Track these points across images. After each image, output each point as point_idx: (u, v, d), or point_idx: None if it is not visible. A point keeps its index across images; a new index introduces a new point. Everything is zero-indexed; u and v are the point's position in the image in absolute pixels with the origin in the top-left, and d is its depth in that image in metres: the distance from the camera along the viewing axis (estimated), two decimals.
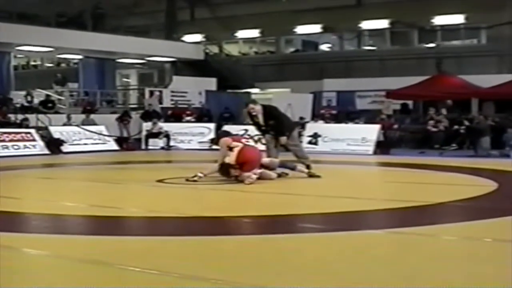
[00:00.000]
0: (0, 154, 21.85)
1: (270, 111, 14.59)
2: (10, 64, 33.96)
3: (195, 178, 12.67)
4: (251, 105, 14.55)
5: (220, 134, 13.84)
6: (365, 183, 14.68)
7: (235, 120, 29.94)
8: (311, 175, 13.70)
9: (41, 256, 6.57)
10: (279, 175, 13.56)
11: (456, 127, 25.00)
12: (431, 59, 34.98)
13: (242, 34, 42.92)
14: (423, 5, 35.59)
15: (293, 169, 13.62)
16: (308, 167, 14.55)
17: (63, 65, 44.67)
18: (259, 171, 12.82)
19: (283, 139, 14.32)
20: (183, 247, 6.98)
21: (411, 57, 36.59)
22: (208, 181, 12.68)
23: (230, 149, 12.83)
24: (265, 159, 13.38)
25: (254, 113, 14.41)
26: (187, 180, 12.75)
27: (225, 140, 13.29)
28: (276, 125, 14.35)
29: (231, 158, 12.69)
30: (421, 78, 30.23)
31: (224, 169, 12.78)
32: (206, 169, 12.97)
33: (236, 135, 14.64)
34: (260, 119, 14.43)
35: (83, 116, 28.27)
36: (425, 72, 31.57)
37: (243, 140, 13.31)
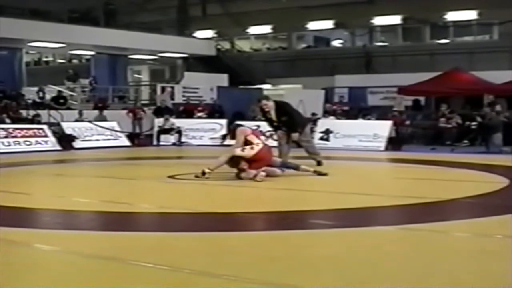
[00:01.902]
0: (12, 150, 21.95)
1: (282, 107, 14.60)
2: (22, 60, 34.12)
3: (206, 176, 12.62)
4: (264, 101, 14.55)
5: (234, 126, 13.67)
6: (376, 179, 14.66)
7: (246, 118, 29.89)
8: (316, 172, 13.48)
9: (52, 251, 6.60)
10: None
11: (467, 123, 24.99)
12: (444, 55, 34.99)
13: (253, 30, 42.98)
14: (435, 1, 35.59)
15: (296, 168, 13.40)
16: (319, 163, 14.56)
17: (75, 61, 44.85)
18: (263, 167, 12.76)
19: (295, 136, 14.32)
20: (194, 243, 6.99)
21: (423, 53, 36.57)
22: (219, 177, 12.66)
23: (247, 141, 12.71)
24: None
25: (266, 109, 14.42)
26: (196, 176, 12.72)
27: (243, 130, 13.02)
28: (288, 121, 14.36)
29: (247, 153, 12.59)
30: (433, 74, 30.16)
31: (235, 160, 12.69)
32: (211, 165, 12.91)
33: (255, 130, 14.55)
34: (273, 115, 14.45)
35: (94, 112, 28.33)
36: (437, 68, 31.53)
37: (262, 138, 13.23)
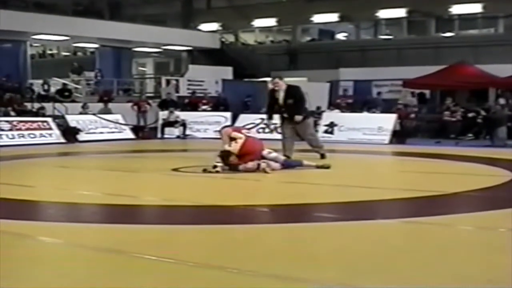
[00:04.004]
0: (16, 142, 21.96)
1: (292, 90, 14.71)
2: (27, 53, 34.10)
3: (218, 169, 12.58)
4: (277, 79, 14.77)
5: (221, 128, 13.88)
6: (380, 173, 14.66)
7: (255, 108, 29.93)
8: (319, 167, 13.40)
9: (56, 244, 6.60)
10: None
11: (471, 114, 24.97)
12: (449, 48, 34.95)
13: (258, 23, 42.94)
14: None
15: (300, 165, 13.38)
16: (323, 156, 14.54)
17: (79, 54, 44.84)
18: (264, 163, 12.72)
19: (298, 118, 14.34)
20: (198, 235, 7.00)
21: (428, 46, 36.53)
22: (222, 170, 12.66)
23: (232, 139, 12.82)
24: (271, 154, 13.17)
25: (277, 88, 14.59)
26: (205, 171, 12.65)
27: (226, 130, 13.40)
28: (293, 105, 14.40)
29: (233, 148, 12.68)
30: (438, 68, 30.09)
31: (225, 155, 12.73)
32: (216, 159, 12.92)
33: (237, 127, 14.68)
34: (281, 96, 14.52)
35: (99, 104, 28.34)
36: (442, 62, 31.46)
37: (244, 131, 13.32)
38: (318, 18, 40.68)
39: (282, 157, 13.40)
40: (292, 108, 14.49)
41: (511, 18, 34.31)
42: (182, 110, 28.69)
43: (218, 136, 13.79)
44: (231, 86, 34.12)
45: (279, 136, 15.46)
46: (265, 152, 12.95)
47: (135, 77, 40.69)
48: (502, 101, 25.89)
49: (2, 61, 31.21)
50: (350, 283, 5.07)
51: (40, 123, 23.76)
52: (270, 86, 15.18)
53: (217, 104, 30.40)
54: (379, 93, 32.50)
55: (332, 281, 5.11)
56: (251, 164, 12.52)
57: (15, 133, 22.69)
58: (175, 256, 5.79)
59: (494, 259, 5.81)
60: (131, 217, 8.26)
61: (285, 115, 14.62)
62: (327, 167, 13.10)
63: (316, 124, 23.26)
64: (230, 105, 30.40)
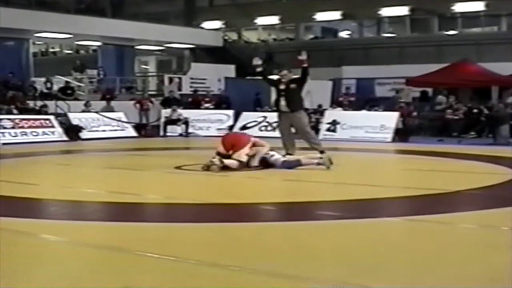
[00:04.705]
0: (19, 140, 21.98)
1: (296, 78, 14.87)
2: (29, 51, 34.10)
3: (213, 160, 12.56)
4: (285, 71, 14.93)
5: None
6: (382, 171, 14.66)
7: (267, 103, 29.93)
8: (320, 164, 13.25)
9: (59, 242, 6.61)
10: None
11: (474, 112, 24.96)
12: (452, 46, 34.93)
13: (261, 21, 42.93)
14: None
15: (299, 164, 13.30)
16: (322, 153, 14.52)
17: (82, 52, 44.81)
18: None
19: (303, 55, 14.58)
20: (200, 233, 6.99)
21: (431, 44, 36.51)
22: (224, 169, 12.65)
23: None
24: (273, 157, 13.12)
25: (283, 80, 14.70)
26: (203, 168, 12.67)
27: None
28: (294, 90, 14.50)
29: (219, 149, 12.85)
30: (441, 66, 30.07)
31: (224, 157, 12.78)
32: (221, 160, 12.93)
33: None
34: (283, 85, 14.66)
35: (102, 102, 28.33)
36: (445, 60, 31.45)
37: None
38: (321, 16, 40.69)
39: (281, 159, 13.29)
40: (292, 94, 14.60)
41: None
42: (185, 108, 28.67)
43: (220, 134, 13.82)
44: (233, 84, 34.09)
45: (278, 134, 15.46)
46: (267, 155, 12.97)
47: (137, 75, 40.64)
48: (511, 99, 25.89)
49: (5, 59, 31.16)
50: (352, 282, 5.06)
51: (42, 121, 23.77)
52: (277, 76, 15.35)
53: (220, 102, 30.41)
54: (397, 92, 31.90)
55: (333, 280, 5.11)
56: (245, 151, 12.61)
57: (18, 131, 22.70)
58: (177, 254, 5.80)
59: (496, 258, 5.80)
60: (134, 215, 8.27)
61: (283, 101, 14.62)
62: (328, 167, 12.95)
63: (318, 122, 23.32)
64: (233, 103, 30.38)
